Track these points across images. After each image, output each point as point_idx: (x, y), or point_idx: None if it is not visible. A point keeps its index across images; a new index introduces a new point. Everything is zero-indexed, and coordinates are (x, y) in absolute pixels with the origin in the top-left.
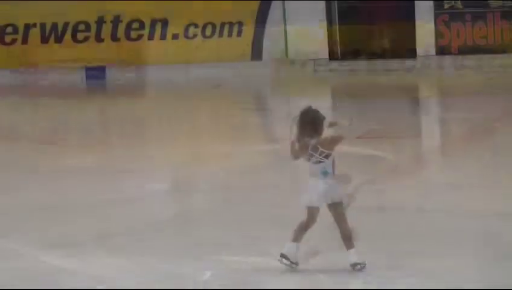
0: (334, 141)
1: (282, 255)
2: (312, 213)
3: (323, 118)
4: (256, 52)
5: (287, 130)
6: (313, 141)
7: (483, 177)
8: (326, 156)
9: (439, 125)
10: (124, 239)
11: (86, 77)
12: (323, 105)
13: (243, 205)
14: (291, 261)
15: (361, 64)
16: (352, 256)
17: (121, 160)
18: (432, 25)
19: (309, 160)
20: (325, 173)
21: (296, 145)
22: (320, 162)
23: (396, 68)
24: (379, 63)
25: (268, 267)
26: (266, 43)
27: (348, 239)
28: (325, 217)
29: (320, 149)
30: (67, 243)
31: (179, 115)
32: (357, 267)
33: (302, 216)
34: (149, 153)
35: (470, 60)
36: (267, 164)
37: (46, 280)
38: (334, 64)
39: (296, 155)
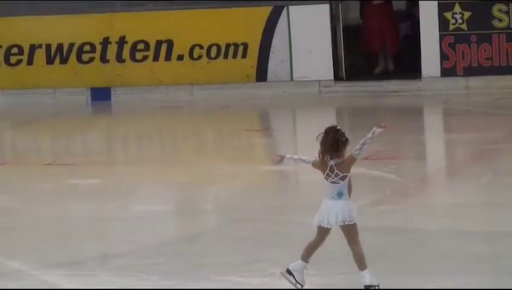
0: (348, 163)
1: (288, 271)
2: (322, 233)
3: (346, 140)
4: (261, 74)
5: (291, 151)
6: (331, 162)
7: (488, 198)
8: (342, 178)
9: (444, 146)
10: (126, 259)
11: (91, 98)
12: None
13: (246, 225)
14: (296, 280)
15: (366, 85)
16: (366, 278)
17: (125, 180)
18: (437, 47)
19: (326, 179)
20: (339, 194)
21: (317, 162)
22: (335, 183)
23: (401, 90)
24: (384, 84)
25: (273, 288)
26: (271, 64)
27: (360, 260)
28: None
29: (336, 171)
30: (69, 262)
31: (183, 136)
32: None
33: (311, 236)
34: (153, 173)
35: (475, 82)
36: (272, 184)
37: None
38: (339, 86)
39: (315, 167)
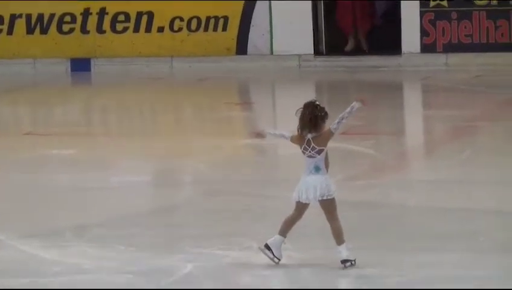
0: (325, 137)
1: (266, 246)
2: (300, 208)
3: (325, 114)
4: (242, 47)
5: (271, 124)
6: (309, 136)
7: (466, 175)
8: (319, 152)
9: (423, 122)
10: (103, 230)
11: (71, 69)
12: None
13: (224, 198)
14: (273, 255)
15: (346, 60)
16: (343, 253)
17: (103, 151)
18: (418, 23)
19: (303, 153)
20: (316, 169)
21: (295, 137)
22: (312, 157)
23: (381, 65)
24: (364, 60)
25: (250, 261)
26: (251, 38)
27: (338, 235)
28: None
29: (313, 144)
30: (47, 232)
31: (162, 108)
32: (347, 264)
33: (289, 210)
34: (131, 145)
35: (455, 58)
36: (250, 157)
37: (25, 268)
38: (319, 60)
39: (293, 142)
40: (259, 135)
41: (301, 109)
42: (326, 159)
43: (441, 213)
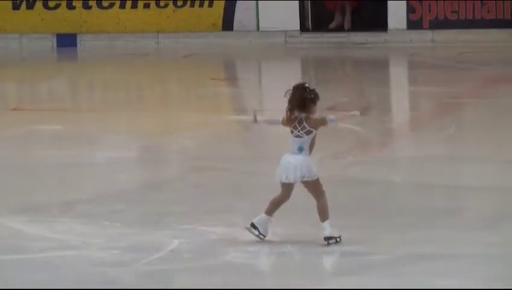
0: (319, 121)
1: (252, 225)
2: (285, 189)
3: (315, 96)
4: (228, 23)
5: (257, 101)
6: (302, 115)
7: (451, 151)
8: (307, 132)
9: (409, 99)
10: (90, 206)
11: (57, 44)
12: (293, 76)
13: (210, 174)
14: (259, 232)
15: (332, 36)
16: (326, 229)
17: (90, 127)
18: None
19: (292, 132)
20: (300, 149)
21: (285, 118)
22: (299, 136)
23: (367, 42)
24: (350, 36)
25: (236, 238)
26: (237, 14)
27: (323, 212)
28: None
29: (304, 124)
30: (33, 208)
31: (148, 84)
32: (331, 241)
33: (275, 187)
34: (118, 121)
35: (441, 35)
36: (237, 134)
37: (12, 244)
38: (305, 37)
39: (284, 125)
40: (254, 116)
41: (290, 91)
42: (312, 141)
43: (427, 190)
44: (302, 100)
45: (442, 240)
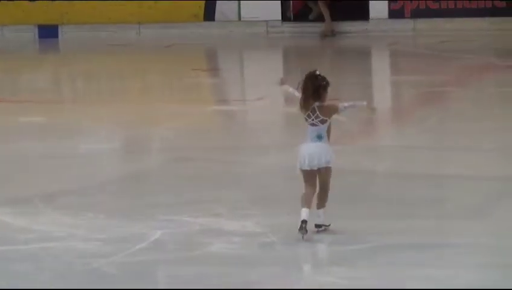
0: (332, 110)
1: (317, 226)
2: (309, 177)
3: (327, 83)
4: (209, 13)
5: (239, 91)
6: (316, 104)
7: (433, 141)
8: (322, 122)
9: (391, 88)
10: (73, 198)
11: (39, 35)
12: (275, 66)
13: (192, 165)
14: (324, 225)
15: (314, 26)
16: (321, 217)
17: (72, 118)
18: None
19: (306, 120)
20: (319, 137)
21: (300, 105)
22: (315, 125)
23: (348, 31)
24: (331, 26)
25: (220, 228)
26: (219, 4)
27: (322, 199)
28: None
29: (317, 113)
30: (16, 200)
31: (130, 75)
32: (321, 229)
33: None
34: (99, 112)
35: (423, 24)
36: (219, 124)
37: None
38: (287, 26)
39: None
40: (282, 81)
41: (303, 81)
42: (328, 129)
43: (410, 179)
44: (316, 88)
45: (427, 230)
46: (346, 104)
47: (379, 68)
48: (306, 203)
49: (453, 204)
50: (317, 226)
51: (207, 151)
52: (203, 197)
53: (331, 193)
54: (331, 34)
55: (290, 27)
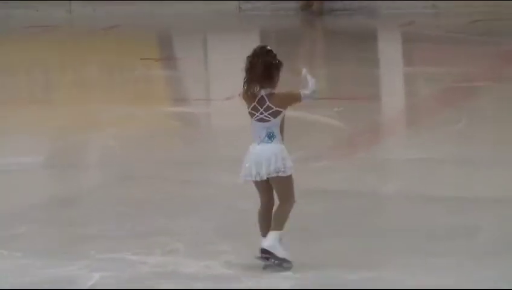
0: (289, 97)
1: (264, 251)
2: (261, 190)
3: (279, 62)
4: None
5: (202, 87)
6: (262, 91)
7: (458, 152)
8: (274, 114)
9: (404, 83)
10: None
11: None
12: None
13: (141, 185)
14: (276, 258)
15: (295, 3)
16: (269, 241)
17: None
18: None
19: (251, 116)
20: (270, 136)
21: (241, 94)
22: (264, 120)
23: (349, 7)
24: (317, 2)
25: (176, 270)
26: None
27: (279, 218)
28: None
29: (268, 103)
30: None
31: (59, 67)
32: (268, 262)
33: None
34: (19, 116)
35: None
36: (175, 131)
37: None
38: (263, 3)
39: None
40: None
41: (249, 58)
42: (281, 126)
43: (427, 203)
44: (266, 67)
45: (449, 269)
46: (310, 90)
47: (388, 56)
48: (260, 228)
49: (483, 236)
50: (264, 252)
51: (159, 167)
52: (154, 228)
53: (324, 221)
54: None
55: (269, 2)
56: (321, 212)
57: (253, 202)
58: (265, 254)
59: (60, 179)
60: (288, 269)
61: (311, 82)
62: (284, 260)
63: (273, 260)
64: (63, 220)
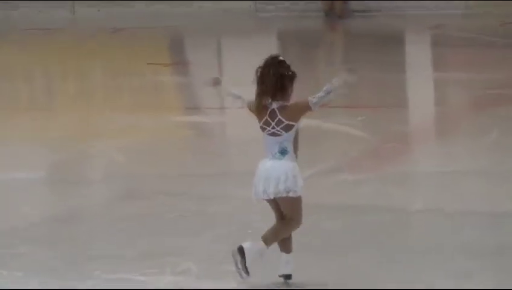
0: (299, 108)
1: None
2: (274, 207)
3: (293, 74)
4: None
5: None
6: (274, 105)
7: (491, 165)
8: (286, 128)
9: (433, 90)
10: None
11: None
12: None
13: (149, 201)
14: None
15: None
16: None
17: None
18: None
19: (263, 130)
20: (283, 152)
21: (254, 105)
22: (276, 134)
23: (372, 8)
24: (339, 3)
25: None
26: None
27: (284, 240)
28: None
29: (279, 117)
30: None
31: (61, 73)
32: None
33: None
34: (18, 125)
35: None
36: (185, 142)
37: None
38: (282, 4)
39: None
40: (215, 81)
41: (260, 69)
42: (295, 140)
43: (459, 219)
44: (278, 78)
45: None
46: (318, 96)
47: (416, 62)
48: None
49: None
50: (239, 249)
51: (168, 181)
52: (164, 247)
53: (344, 239)
54: (342, 12)
55: (287, 3)
56: (343, 229)
57: (269, 217)
58: (241, 252)
59: (61, 194)
60: (241, 278)
61: (324, 90)
62: (246, 270)
63: (240, 263)
64: (64, 239)
